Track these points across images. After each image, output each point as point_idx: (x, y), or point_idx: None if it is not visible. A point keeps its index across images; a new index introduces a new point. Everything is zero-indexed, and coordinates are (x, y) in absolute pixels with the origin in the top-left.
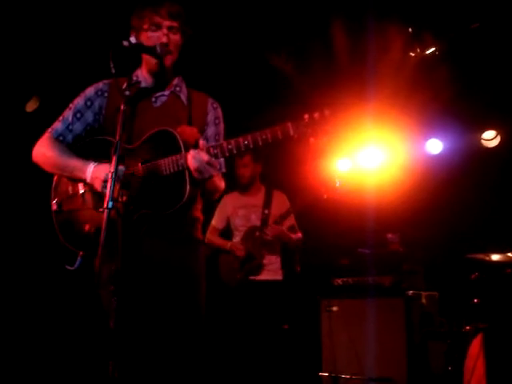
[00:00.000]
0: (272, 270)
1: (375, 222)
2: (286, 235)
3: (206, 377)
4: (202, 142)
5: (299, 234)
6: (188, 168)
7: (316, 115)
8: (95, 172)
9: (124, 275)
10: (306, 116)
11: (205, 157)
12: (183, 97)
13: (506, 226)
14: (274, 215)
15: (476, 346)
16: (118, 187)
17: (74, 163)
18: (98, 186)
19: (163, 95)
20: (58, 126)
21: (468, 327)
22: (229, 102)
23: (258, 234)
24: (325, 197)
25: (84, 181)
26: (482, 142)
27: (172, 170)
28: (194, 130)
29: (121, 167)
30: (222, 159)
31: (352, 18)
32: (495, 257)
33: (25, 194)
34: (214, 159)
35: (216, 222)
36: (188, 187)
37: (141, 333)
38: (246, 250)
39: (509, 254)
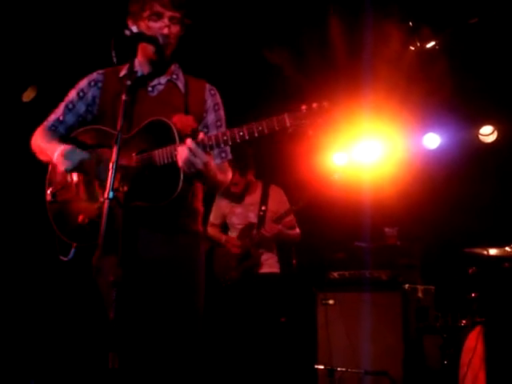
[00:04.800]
0: (269, 263)
1: (372, 215)
2: (283, 234)
3: (203, 369)
4: (201, 134)
5: (297, 230)
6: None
7: (314, 106)
8: (60, 152)
9: (123, 267)
10: (304, 107)
11: (185, 152)
12: (180, 84)
13: (503, 220)
14: (272, 211)
15: (473, 340)
16: (118, 177)
17: (52, 146)
18: (60, 166)
19: (160, 84)
20: (51, 117)
21: (464, 321)
22: (225, 95)
23: (255, 232)
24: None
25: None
26: (480, 137)
27: (166, 161)
28: (190, 119)
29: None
30: (227, 147)
31: (350, 11)
32: (493, 251)
33: (22, 183)
34: (202, 153)
35: (213, 218)
36: (182, 178)
37: (140, 325)
38: (243, 247)
39: (506, 249)
